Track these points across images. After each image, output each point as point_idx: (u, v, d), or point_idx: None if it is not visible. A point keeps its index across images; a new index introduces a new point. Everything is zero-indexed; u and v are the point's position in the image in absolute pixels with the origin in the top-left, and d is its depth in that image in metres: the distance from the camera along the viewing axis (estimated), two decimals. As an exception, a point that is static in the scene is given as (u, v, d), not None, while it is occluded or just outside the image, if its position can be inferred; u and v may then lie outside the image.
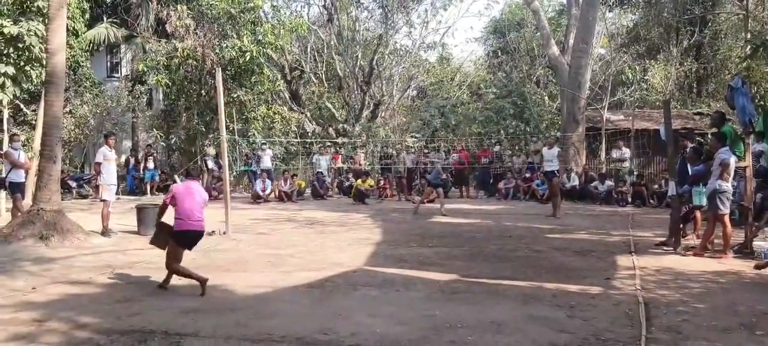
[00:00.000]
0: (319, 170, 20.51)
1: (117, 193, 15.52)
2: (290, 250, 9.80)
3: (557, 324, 5.58)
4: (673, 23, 26.93)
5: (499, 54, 33.87)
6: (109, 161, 11.58)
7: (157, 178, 21.26)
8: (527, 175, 19.77)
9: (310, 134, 24.78)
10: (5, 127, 15.38)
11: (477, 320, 5.69)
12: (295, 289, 7.08)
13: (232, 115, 19.55)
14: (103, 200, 11.39)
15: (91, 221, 11.51)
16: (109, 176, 11.56)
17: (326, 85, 28.54)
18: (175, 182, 13.19)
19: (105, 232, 11.07)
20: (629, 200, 17.41)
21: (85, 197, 19.07)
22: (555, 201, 14.52)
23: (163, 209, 7.28)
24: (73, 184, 19.67)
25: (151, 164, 21.17)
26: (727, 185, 8.79)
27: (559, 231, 11.90)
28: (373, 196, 19.73)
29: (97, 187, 12.70)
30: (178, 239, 6.98)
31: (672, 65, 25.65)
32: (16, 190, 11.90)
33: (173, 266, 6.94)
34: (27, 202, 12.28)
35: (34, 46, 14.53)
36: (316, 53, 27.97)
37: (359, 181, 19.10)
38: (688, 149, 10.47)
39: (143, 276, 7.78)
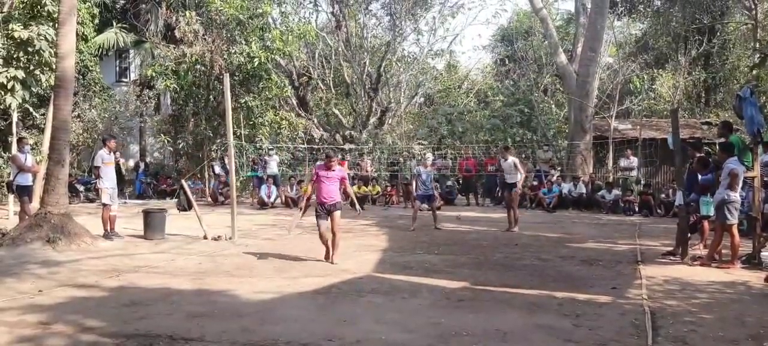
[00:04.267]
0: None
1: (124, 197, 15.64)
2: (296, 256, 9.80)
3: (563, 333, 5.56)
4: (681, 32, 26.88)
5: (507, 62, 33.83)
6: (107, 165, 11.55)
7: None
8: (534, 183, 19.71)
9: (317, 140, 24.79)
10: (14, 130, 15.47)
11: (483, 329, 5.67)
12: (301, 295, 7.08)
13: (239, 121, 19.59)
14: (104, 204, 11.43)
15: (98, 225, 11.52)
16: (107, 180, 11.56)
17: (334, 91, 28.56)
18: (182, 186, 13.23)
19: (107, 235, 11.11)
20: (636, 209, 17.32)
21: (92, 200, 19.15)
22: (511, 214, 13.34)
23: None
24: (81, 187, 19.80)
25: (217, 169, 20.51)
26: (736, 195, 8.75)
27: (565, 240, 11.86)
28: (380, 203, 19.71)
29: (97, 190, 12.68)
30: None
31: (680, 74, 25.57)
32: (23, 193, 11.98)
33: None
34: (35, 205, 12.34)
35: (43, 51, 14.62)
36: (324, 60, 27.99)
37: (355, 188, 19.12)
38: (695, 159, 10.42)
39: (150, 280, 7.80)
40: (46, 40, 14.60)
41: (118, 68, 27.32)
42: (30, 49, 14.58)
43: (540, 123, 25.33)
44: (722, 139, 9.85)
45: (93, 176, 15.22)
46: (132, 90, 25.06)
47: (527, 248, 10.72)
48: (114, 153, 11.83)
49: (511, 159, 13.69)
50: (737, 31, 27.41)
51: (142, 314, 6.10)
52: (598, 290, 7.30)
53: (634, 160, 19.08)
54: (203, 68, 20.89)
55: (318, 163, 11.46)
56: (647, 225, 14.63)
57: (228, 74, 13.44)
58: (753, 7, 23.92)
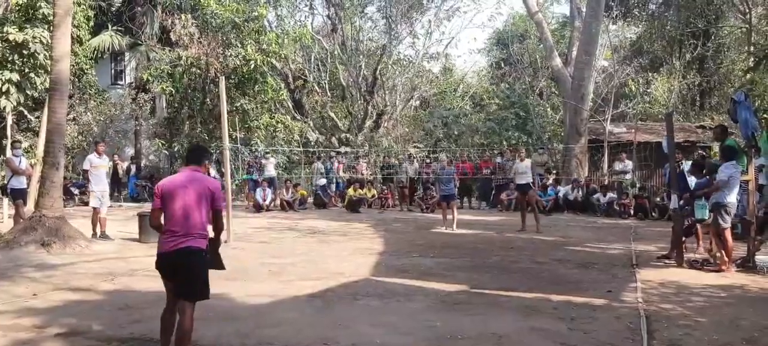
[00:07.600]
0: (321, 182, 20.38)
1: (120, 200, 15.50)
2: (291, 259, 9.78)
3: (559, 336, 5.56)
4: (676, 36, 27.00)
5: (502, 65, 33.88)
6: (96, 168, 11.66)
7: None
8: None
9: (313, 143, 24.80)
10: (9, 133, 15.43)
11: (478, 332, 5.68)
12: (297, 298, 7.06)
13: (235, 124, 19.57)
14: (93, 208, 11.48)
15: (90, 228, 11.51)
16: (96, 183, 11.64)
17: (329, 94, 28.57)
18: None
19: (94, 236, 11.16)
20: (631, 212, 17.34)
21: (87, 203, 19.05)
22: (534, 214, 13.68)
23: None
24: (76, 191, 19.67)
25: (213, 172, 19.97)
26: (731, 199, 8.76)
27: (561, 243, 11.88)
28: (375, 206, 19.70)
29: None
30: None
31: (675, 78, 25.69)
32: (18, 196, 11.96)
33: None
34: (29, 208, 12.32)
35: (38, 53, 14.62)
36: (319, 63, 28.01)
37: (351, 190, 19.08)
38: (688, 161, 10.45)
39: (145, 283, 7.77)
40: (41, 42, 14.59)
41: (113, 71, 27.23)
42: (25, 52, 14.58)
43: (535, 126, 25.38)
44: (720, 143, 9.87)
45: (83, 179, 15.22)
46: (127, 93, 24.97)
47: (523, 251, 10.72)
48: (113, 156, 11.87)
49: (529, 160, 14.10)
50: (731, 35, 27.55)
51: (136, 318, 6.08)
52: (593, 294, 7.31)
53: (628, 164, 19.11)
54: (199, 71, 20.87)
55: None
56: (642, 228, 14.64)
57: (223, 77, 13.42)
58: (747, 11, 24.05)
